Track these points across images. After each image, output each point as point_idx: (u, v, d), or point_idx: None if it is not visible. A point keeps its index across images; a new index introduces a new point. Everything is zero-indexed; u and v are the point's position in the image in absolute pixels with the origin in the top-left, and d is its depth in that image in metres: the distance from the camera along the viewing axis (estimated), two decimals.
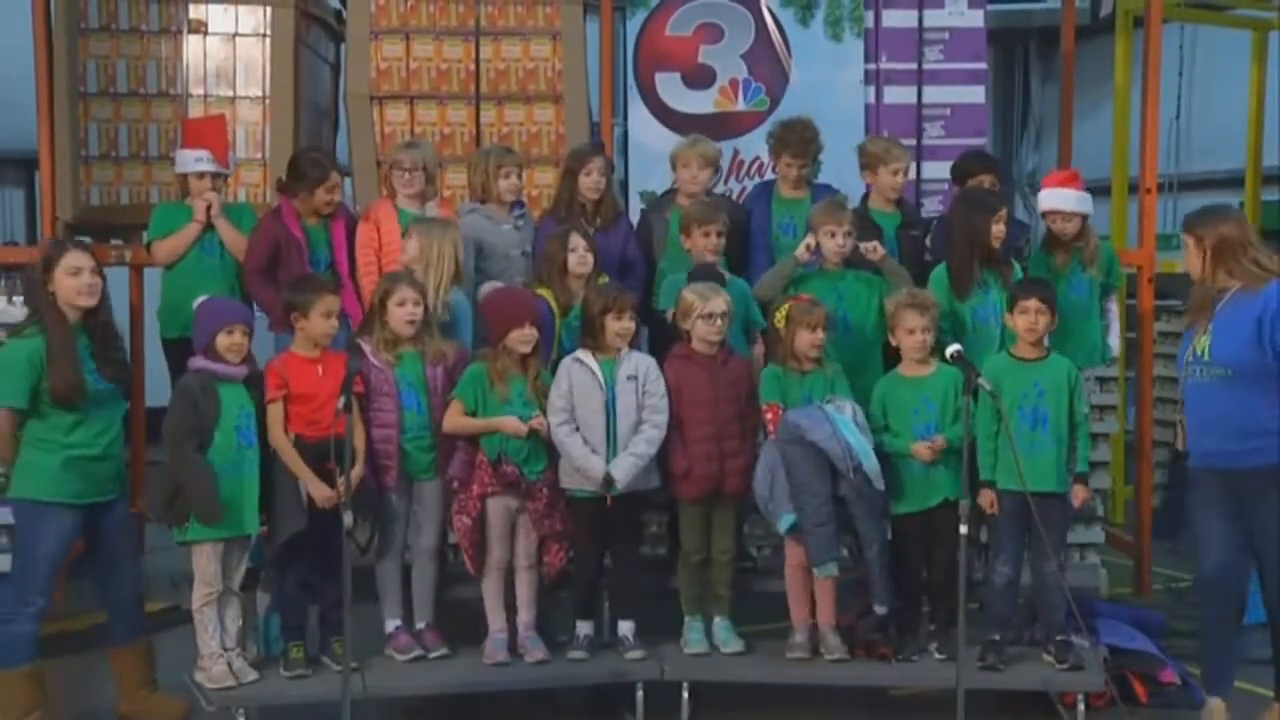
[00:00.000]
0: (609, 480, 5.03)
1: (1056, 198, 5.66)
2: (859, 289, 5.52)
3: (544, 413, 5.06)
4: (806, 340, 5.14)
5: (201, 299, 5.00)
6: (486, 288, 5.52)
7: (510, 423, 5.00)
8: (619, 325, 5.10)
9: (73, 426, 4.68)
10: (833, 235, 5.43)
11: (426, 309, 5.10)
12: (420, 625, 5.16)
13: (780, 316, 5.21)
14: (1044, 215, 5.69)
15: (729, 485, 5.18)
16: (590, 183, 5.74)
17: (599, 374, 5.08)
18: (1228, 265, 4.76)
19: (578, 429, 5.06)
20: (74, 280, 4.67)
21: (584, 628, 5.22)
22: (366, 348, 5.05)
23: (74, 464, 4.68)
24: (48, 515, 4.69)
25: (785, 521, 5.08)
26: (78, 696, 5.08)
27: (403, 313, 5.04)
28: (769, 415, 5.14)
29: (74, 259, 4.69)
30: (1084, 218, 5.65)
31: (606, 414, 5.08)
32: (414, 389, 5.08)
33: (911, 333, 5.17)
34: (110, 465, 4.81)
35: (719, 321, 5.13)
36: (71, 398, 4.60)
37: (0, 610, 4.76)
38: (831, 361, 5.25)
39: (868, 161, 5.91)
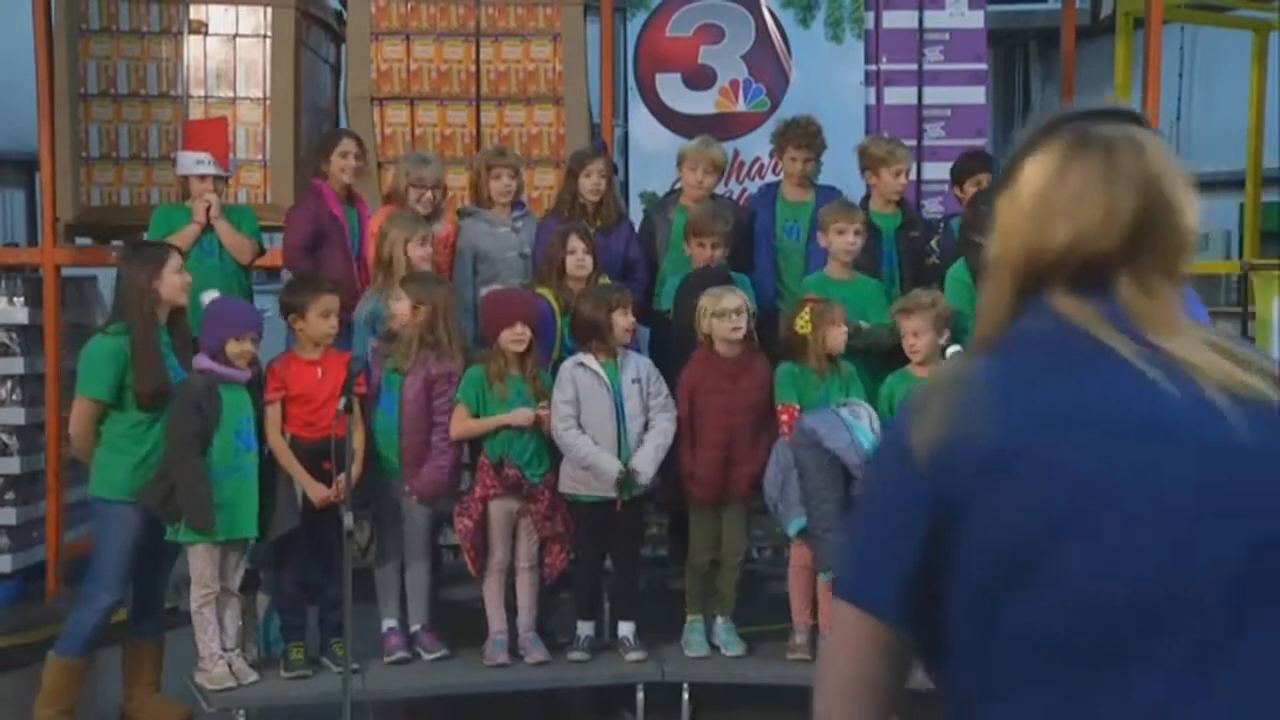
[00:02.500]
0: (630, 474, 5.01)
1: None
2: (869, 294, 5.51)
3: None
4: (837, 336, 5.12)
5: (214, 297, 5.01)
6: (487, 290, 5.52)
7: (519, 415, 4.99)
8: (626, 321, 5.11)
9: (151, 424, 4.79)
10: (842, 233, 5.42)
11: (435, 316, 5.08)
12: (416, 627, 5.17)
13: (804, 321, 5.15)
14: None
15: (737, 490, 5.19)
16: (590, 184, 5.73)
17: (604, 377, 5.08)
18: None
19: (583, 432, 5.06)
20: (180, 278, 4.85)
21: (585, 629, 5.21)
22: (373, 344, 5.08)
23: (145, 464, 4.78)
24: (115, 513, 4.81)
25: (795, 525, 5.06)
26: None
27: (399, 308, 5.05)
28: (784, 416, 5.12)
29: (180, 259, 4.91)
30: None
31: (616, 418, 5.07)
32: (391, 390, 5.07)
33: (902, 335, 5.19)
34: None
35: (734, 318, 5.09)
36: (158, 398, 4.73)
37: (79, 599, 4.95)
38: (846, 362, 5.24)
39: (869, 163, 5.91)
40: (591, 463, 5.02)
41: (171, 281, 4.82)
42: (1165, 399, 1.41)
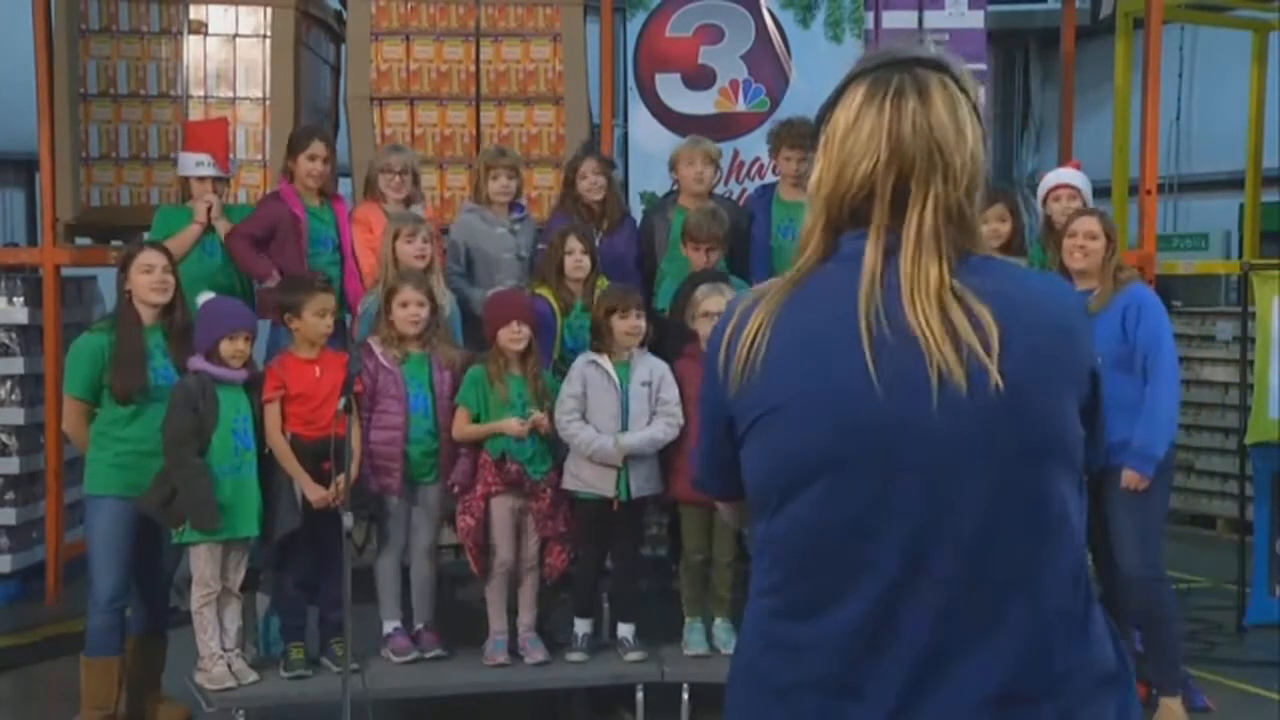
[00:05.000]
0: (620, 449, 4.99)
1: (1061, 175, 5.76)
2: None
3: (548, 413, 5.05)
4: None
5: (207, 298, 5.01)
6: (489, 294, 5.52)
7: (510, 425, 4.98)
8: (626, 324, 5.09)
9: (130, 420, 4.75)
10: None
11: (435, 310, 5.10)
12: (419, 626, 5.16)
13: None
14: (1044, 201, 5.70)
15: None
16: (587, 185, 5.73)
17: (614, 377, 5.07)
18: (1118, 265, 5.06)
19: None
20: (147, 277, 4.78)
21: (582, 627, 5.20)
22: (377, 349, 5.05)
23: (128, 459, 4.75)
24: (102, 508, 4.79)
25: None
26: (79, 697, 5.08)
27: (406, 314, 5.02)
28: None
29: (148, 257, 4.82)
30: (1083, 201, 5.66)
31: (621, 418, 5.06)
32: (421, 391, 5.07)
33: None
34: None
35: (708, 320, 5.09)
36: (128, 396, 4.71)
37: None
38: None
39: None
40: (594, 449, 5.00)
41: (138, 280, 4.77)
42: (873, 398, 1.66)
